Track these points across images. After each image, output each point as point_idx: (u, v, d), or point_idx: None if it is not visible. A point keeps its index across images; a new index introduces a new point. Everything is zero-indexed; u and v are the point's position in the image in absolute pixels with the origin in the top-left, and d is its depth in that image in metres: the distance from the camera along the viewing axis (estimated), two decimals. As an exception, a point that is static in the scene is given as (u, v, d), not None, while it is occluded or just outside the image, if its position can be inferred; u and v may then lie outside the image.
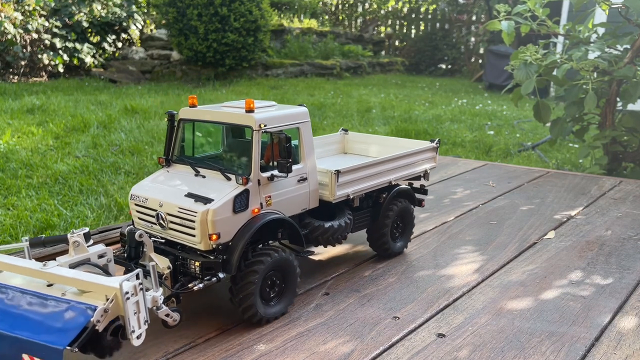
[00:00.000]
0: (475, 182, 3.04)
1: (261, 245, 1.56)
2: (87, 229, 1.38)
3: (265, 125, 1.49)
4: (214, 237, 1.40)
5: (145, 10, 9.32)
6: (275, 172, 1.51)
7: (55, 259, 1.32)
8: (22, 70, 7.10)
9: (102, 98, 5.81)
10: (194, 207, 1.41)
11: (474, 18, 10.92)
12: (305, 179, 1.62)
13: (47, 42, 7.19)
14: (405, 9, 11.99)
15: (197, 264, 1.41)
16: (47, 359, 1.11)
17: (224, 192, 1.44)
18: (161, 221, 1.48)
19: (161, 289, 1.28)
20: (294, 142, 1.58)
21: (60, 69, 7.41)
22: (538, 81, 3.37)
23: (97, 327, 1.14)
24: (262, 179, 1.49)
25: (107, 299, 1.16)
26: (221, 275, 1.42)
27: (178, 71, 8.07)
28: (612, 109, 3.50)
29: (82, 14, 7.71)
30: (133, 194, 1.56)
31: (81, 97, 5.79)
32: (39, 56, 7.12)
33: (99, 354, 1.22)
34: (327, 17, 12.13)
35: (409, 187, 2.00)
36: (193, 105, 1.65)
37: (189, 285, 1.40)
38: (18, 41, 6.81)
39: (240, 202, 1.45)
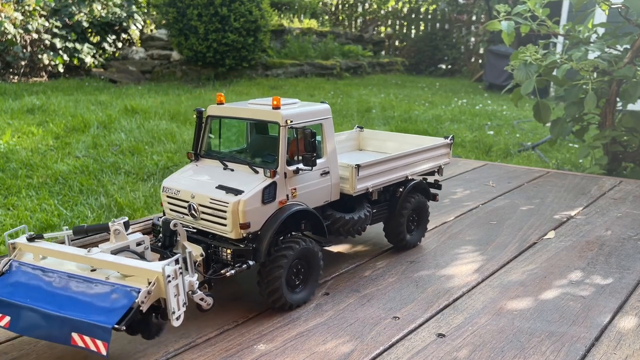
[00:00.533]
0: (475, 182, 3.04)
1: (283, 237, 1.61)
2: (126, 218, 1.45)
3: (291, 121, 1.57)
4: (245, 226, 1.48)
5: (145, 10, 9.32)
6: (301, 165, 1.58)
7: (97, 246, 1.41)
8: (22, 71, 7.10)
9: (102, 98, 5.81)
10: (226, 198, 1.49)
11: (474, 18, 10.92)
12: (328, 172, 1.69)
13: (47, 42, 7.19)
14: (405, 9, 11.99)
15: (228, 251, 1.49)
16: (96, 337, 1.19)
17: (253, 184, 1.52)
18: (193, 212, 1.56)
19: (196, 275, 1.36)
20: (317, 137, 1.65)
21: (61, 69, 7.41)
22: (538, 81, 3.37)
23: (141, 308, 1.22)
24: (288, 172, 1.57)
25: (150, 282, 1.24)
26: (251, 262, 1.49)
27: (178, 71, 8.07)
28: (612, 109, 3.50)
29: (82, 14, 7.71)
30: (165, 186, 1.63)
31: (81, 97, 5.79)
32: (39, 56, 7.12)
33: (146, 335, 1.31)
34: (327, 17, 12.13)
35: (424, 181, 2.07)
36: (220, 103, 1.72)
37: (222, 271, 1.47)
38: (18, 41, 6.81)
39: (269, 193, 1.52)
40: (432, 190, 2.11)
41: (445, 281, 1.81)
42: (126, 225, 1.44)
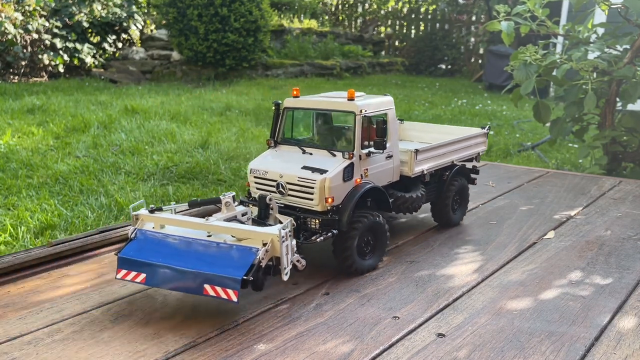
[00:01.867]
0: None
1: (353, 212, 1.79)
2: (233, 193, 1.72)
3: (365, 111, 1.79)
4: (330, 200, 1.72)
5: (146, 11, 9.32)
6: (372, 149, 1.82)
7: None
8: (22, 71, 7.10)
9: (102, 98, 5.81)
10: (313, 177, 1.72)
11: (473, 18, 10.92)
12: (391, 156, 1.93)
13: (47, 42, 7.19)
14: (405, 9, 11.99)
15: (317, 221, 1.73)
16: (227, 287, 1.43)
17: (334, 165, 1.75)
18: (281, 189, 1.79)
19: (294, 240, 1.56)
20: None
21: (61, 69, 7.41)
22: (538, 81, 3.37)
23: (261, 264, 1.46)
24: (362, 155, 1.80)
25: (265, 243, 1.48)
26: (335, 231, 1.73)
27: (178, 71, 8.07)
28: (612, 109, 3.50)
29: (82, 14, 7.71)
30: (253, 168, 1.86)
31: (81, 97, 5.79)
32: (40, 56, 7.12)
33: (257, 288, 1.50)
34: (327, 17, 12.13)
35: (465, 167, 2.34)
36: (296, 96, 1.95)
37: (312, 238, 1.72)
38: (18, 41, 6.81)
39: (348, 172, 1.76)
40: (472, 175, 2.37)
41: (445, 281, 1.81)
42: (234, 198, 1.71)
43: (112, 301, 1.65)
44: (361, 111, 1.78)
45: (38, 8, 7.10)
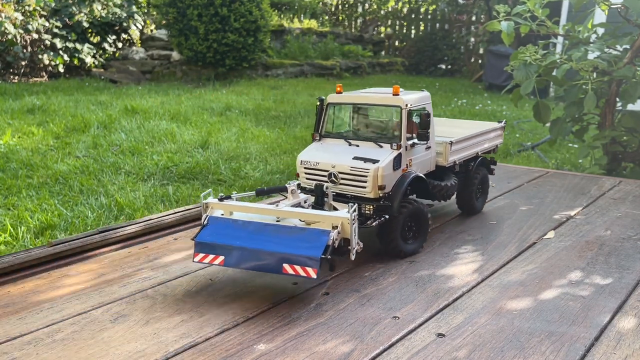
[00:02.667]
0: (475, 182, 3.04)
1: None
2: (298, 181, 1.89)
3: (409, 105, 1.92)
4: (382, 188, 1.84)
5: (146, 11, 9.32)
6: (416, 140, 1.95)
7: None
8: (22, 71, 7.10)
9: (102, 98, 5.81)
10: (366, 166, 1.84)
11: (473, 18, 10.92)
12: (430, 147, 2.06)
13: (47, 42, 7.19)
14: (405, 10, 11.98)
15: (371, 207, 1.84)
16: (306, 265, 1.55)
17: (384, 155, 1.88)
18: (333, 178, 1.90)
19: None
20: (416, 118, 1.99)
21: (61, 69, 7.41)
22: (538, 81, 3.37)
23: (334, 245, 1.59)
24: (407, 146, 1.93)
25: (335, 226, 1.61)
26: (387, 216, 1.85)
27: (178, 71, 8.07)
28: (612, 109, 3.50)
29: (82, 14, 7.71)
30: (303, 159, 1.97)
31: (81, 97, 5.79)
32: (40, 56, 7.12)
33: (330, 268, 1.61)
34: (327, 17, 12.13)
35: (486, 158, 2.50)
36: (339, 93, 2.07)
37: (367, 222, 1.83)
38: (18, 41, 6.81)
39: (397, 162, 1.89)
40: (491, 166, 2.54)
41: (445, 281, 1.81)
42: (298, 186, 1.85)
43: (112, 301, 1.65)
44: (406, 105, 1.91)
45: (38, 8, 7.10)
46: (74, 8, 7.65)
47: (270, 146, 4.26)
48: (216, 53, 7.62)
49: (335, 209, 1.83)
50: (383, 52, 11.41)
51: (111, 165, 3.54)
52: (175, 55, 8.25)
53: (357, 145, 1.97)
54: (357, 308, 1.62)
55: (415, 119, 1.97)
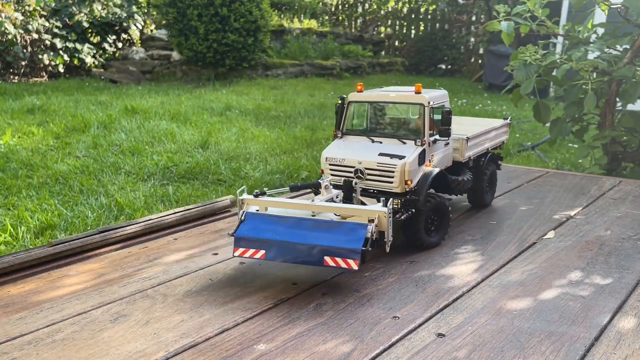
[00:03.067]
0: (475, 182, 3.04)
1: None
2: (329, 177, 1.94)
3: (431, 103, 1.98)
4: (409, 182, 1.91)
5: (146, 11, 9.32)
6: (437, 136, 2.02)
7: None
8: (22, 71, 7.10)
9: (102, 98, 5.81)
10: (393, 162, 1.90)
11: (473, 18, 10.92)
12: (448, 143, 2.14)
13: (47, 42, 7.19)
14: (405, 9, 11.98)
15: (399, 202, 1.90)
16: (348, 257, 1.61)
17: (409, 151, 1.94)
18: (359, 174, 1.95)
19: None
20: (437, 116, 2.06)
21: (61, 69, 7.41)
22: (538, 81, 3.37)
23: (373, 237, 1.65)
24: (430, 142, 1.99)
25: (372, 220, 1.67)
26: (413, 210, 1.91)
27: (178, 71, 8.07)
28: (612, 109, 3.50)
29: (82, 14, 7.71)
30: (328, 156, 2.02)
31: (81, 97, 5.79)
32: (40, 56, 7.12)
33: (363, 260, 1.69)
34: (327, 17, 12.13)
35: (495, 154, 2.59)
36: (360, 91, 2.12)
37: (396, 216, 1.87)
38: (18, 41, 6.81)
39: (421, 158, 1.96)
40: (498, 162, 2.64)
41: (445, 281, 1.81)
42: (330, 183, 1.90)
43: (112, 301, 1.65)
44: (429, 103, 1.97)
45: (38, 8, 7.10)
46: (74, 8, 7.65)
47: (270, 146, 4.26)
48: (216, 53, 7.62)
49: (363, 203, 1.89)
50: (383, 52, 11.41)
51: (111, 165, 3.54)
52: (175, 55, 8.25)
53: (380, 142, 2.03)
54: (357, 308, 1.62)
55: (436, 117, 2.05)
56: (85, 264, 1.92)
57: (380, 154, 1.94)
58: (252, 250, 1.71)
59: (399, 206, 1.91)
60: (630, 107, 3.56)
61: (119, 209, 2.81)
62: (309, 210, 1.76)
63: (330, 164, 2.03)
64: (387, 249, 1.72)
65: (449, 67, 11.06)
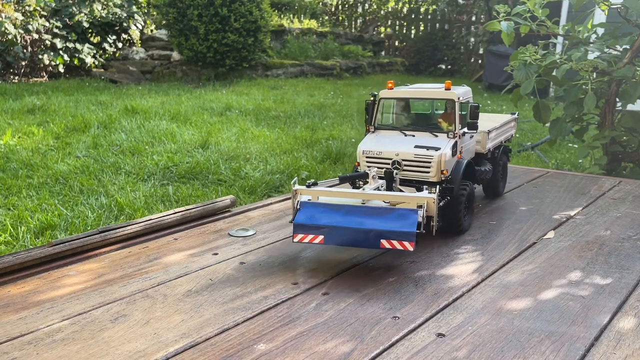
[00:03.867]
0: (475, 182, 3.04)
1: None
2: (376, 168, 2.04)
3: (461, 98, 2.13)
4: (445, 172, 2.05)
5: (146, 11, 9.32)
6: (466, 129, 2.17)
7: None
8: (22, 71, 7.10)
9: (102, 98, 5.81)
10: (430, 153, 2.04)
11: (473, 18, 10.92)
12: (473, 136, 2.29)
13: (47, 42, 7.19)
14: (405, 10, 11.98)
15: (436, 189, 1.94)
16: (403, 240, 1.74)
17: (443, 143, 2.08)
18: (397, 165, 2.08)
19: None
20: (464, 111, 2.18)
21: (61, 69, 7.41)
22: (537, 81, 3.37)
23: (423, 221, 1.79)
24: (460, 135, 2.13)
25: (420, 206, 1.81)
26: (448, 197, 2.06)
27: (178, 71, 8.07)
28: (612, 109, 3.50)
29: (82, 14, 7.71)
30: (365, 149, 2.14)
31: (82, 98, 5.79)
32: (40, 56, 7.12)
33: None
34: (327, 17, 12.13)
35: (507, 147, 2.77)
36: (390, 88, 2.24)
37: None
38: (19, 41, 6.82)
39: (454, 149, 2.10)
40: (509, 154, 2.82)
41: (445, 281, 1.81)
42: (377, 174, 2.04)
43: (112, 301, 1.65)
44: (458, 98, 2.11)
45: (38, 8, 7.10)
46: (74, 8, 7.65)
47: (270, 146, 4.26)
48: (216, 53, 7.62)
49: (401, 191, 2.04)
50: (383, 52, 11.42)
51: (111, 165, 3.54)
52: (175, 55, 8.25)
53: (413, 135, 2.16)
54: (357, 308, 1.63)
55: (463, 112, 2.18)
56: (85, 264, 1.92)
57: (416, 146, 2.08)
58: (311, 236, 1.82)
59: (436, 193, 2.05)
60: (630, 107, 3.57)
61: (119, 209, 2.81)
62: (359, 198, 1.89)
63: (367, 157, 2.14)
64: (434, 232, 1.84)
65: (449, 67, 11.06)
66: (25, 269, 1.83)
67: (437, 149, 2.05)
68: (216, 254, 2.00)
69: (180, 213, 2.31)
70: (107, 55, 8.26)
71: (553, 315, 1.60)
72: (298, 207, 1.89)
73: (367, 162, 2.15)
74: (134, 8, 8.44)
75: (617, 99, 3.49)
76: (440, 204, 1.98)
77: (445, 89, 2.16)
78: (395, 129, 2.22)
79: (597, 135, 3.60)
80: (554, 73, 3.46)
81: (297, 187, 1.94)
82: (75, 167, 3.44)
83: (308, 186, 1.93)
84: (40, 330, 1.48)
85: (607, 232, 2.29)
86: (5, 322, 1.52)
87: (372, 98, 2.25)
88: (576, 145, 4.66)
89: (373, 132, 2.25)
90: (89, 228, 2.54)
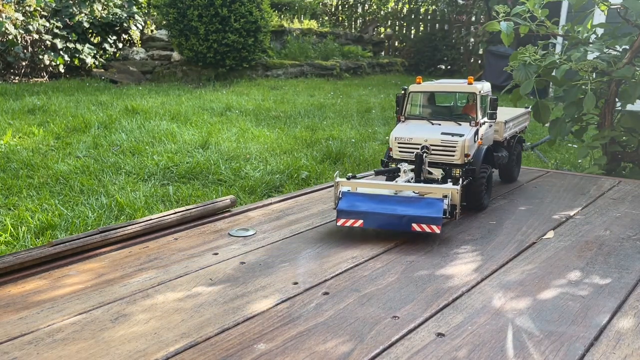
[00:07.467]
0: (474, 182, 3.04)
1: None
2: (407, 163, 2.30)
3: (482, 92, 2.41)
4: (467, 155, 2.30)
5: (146, 11, 9.32)
6: (486, 119, 2.45)
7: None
8: (23, 71, 7.10)
9: (102, 98, 5.82)
10: (455, 139, 2.30)
11: (473, 19, 10.92)
12: (492, 125, 2.55)
13: (48, 42, 7.20)
14: (404, 10, 11.98)
15: (459, 171, 2.31)
16: (432, 224, 2.03)
17: (466, 130, 2.34)
18: (425, 150, 2.31)
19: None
20: (484, 103, 2.45)
21: (61, 69, 7.42)
22: (537, 82, 3.37)
23: (448, 209, 2.08)
24: (481, 124, 2.39)
25: (446, 195, 2.09)
26: (471, 178, 2.32)
27: (178, 72, 8.07)
28: (611, 109, 3.51)
29: (82, 14, 7.71)
30: (397, 136, 2.38)
31: (82, 98, 5.80)
32: (40, 57, 7.12)
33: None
34: (327, 18, 12.13)
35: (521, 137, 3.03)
36: (419, 83, 2.49)
37: (459, 182, 2.24)
38: (19, 42, 6.82)
39: (476, 136, 2.37)
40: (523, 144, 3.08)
41: (445, 281, 1.81)
42: (408, 167, 2.28)
43: (113, 301, 1.65)
44: (479, 92, 2.39)
45: (39, 8, 7.11)
46: (74, 8, 7.65)
47: (270, 146, 4.26)
48: (216, 53, 7.63)
49: (430, 172, 2.33)
50: (383, 53, 11.42)
51: (112, 165, 3.54)
52: (175, 55, 8.26)
53: (439, 124, 2.42)
54: (357, 308, 1.63)
55: (483, 104, 2.45)
56: (85, 263, 1.92)
57: (443, 133, 2.33)
58: (352, 220, 2.08)
59: (459, 174, 2.32)
60: (629, 107, 3.57)
61: (120, 209, 2.82)
62: (392, 189, 2.17)
63: (399, 143, 2.39)
64: (457, 218, 2.13)
65: (449, 67, 11.06)
66: (26, 268, 1.83)
67: (461, 135, 2.31)
68: (216, 253, 2.01)
69: (181, 213, 2.31)
70: (107, 56, 8.26)
71: (552, 315, 1.60)
72: (340, 196, 2.15)
73: (399, 147, 2.39)
74: (134, 8, 8.44)
75: (617, 99, 3.50)
76: (464, 182, 2.27)
77: (468, 84, 2.43)
78: (423, 118, 2.48)
79: (596, 135, 3.60)
80: (553, 73, 3.47)
81: (338, 179, 2.19)
82: (75, 167, 3.44)
83: (348, 179, 2.20)
84: (40, 330, 1.49)
85: (606, 232, 2.29)
86: (5, 322, 1.52)
87: (402, 92, 2.50)
88: (576, 146, 4.67)
89: (403, 121, 2.50)
90: (89, 228, 2.54)
